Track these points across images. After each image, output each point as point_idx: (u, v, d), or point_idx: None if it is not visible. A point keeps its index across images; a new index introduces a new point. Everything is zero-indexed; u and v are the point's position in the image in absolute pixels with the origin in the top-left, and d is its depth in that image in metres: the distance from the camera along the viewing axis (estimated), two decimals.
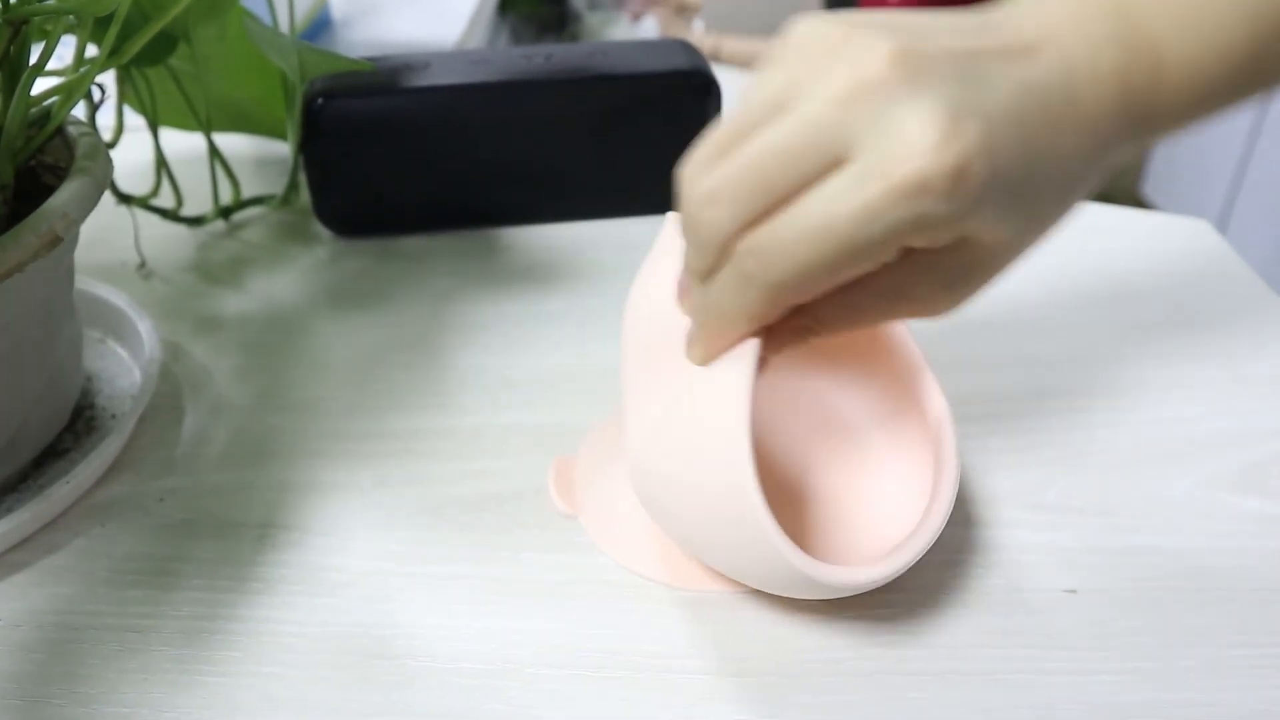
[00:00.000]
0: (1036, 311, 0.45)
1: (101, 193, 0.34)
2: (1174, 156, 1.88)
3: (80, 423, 0.39)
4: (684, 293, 0.31)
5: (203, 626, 0.32)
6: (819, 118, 0.25)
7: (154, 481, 0.37)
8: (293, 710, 0.29)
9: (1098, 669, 0.30)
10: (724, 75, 0.52)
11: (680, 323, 0.30)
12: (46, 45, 0.34)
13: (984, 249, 0.26)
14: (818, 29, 0.26)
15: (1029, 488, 0.36)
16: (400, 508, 0.36)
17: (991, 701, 0.29)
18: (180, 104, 0.50)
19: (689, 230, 0.27)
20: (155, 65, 0.47)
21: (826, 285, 0.26)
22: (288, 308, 0.48)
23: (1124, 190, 1.93)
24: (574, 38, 1.84)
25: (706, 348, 0.29)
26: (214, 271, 0.51)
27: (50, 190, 0.32)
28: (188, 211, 0.53)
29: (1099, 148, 0.27)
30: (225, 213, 0.53)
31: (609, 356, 0.42)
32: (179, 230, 0.53)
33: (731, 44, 1.70)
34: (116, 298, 0.43)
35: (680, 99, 0.51)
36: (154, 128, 0.49)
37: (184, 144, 0.54)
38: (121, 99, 0.47)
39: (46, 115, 0.36)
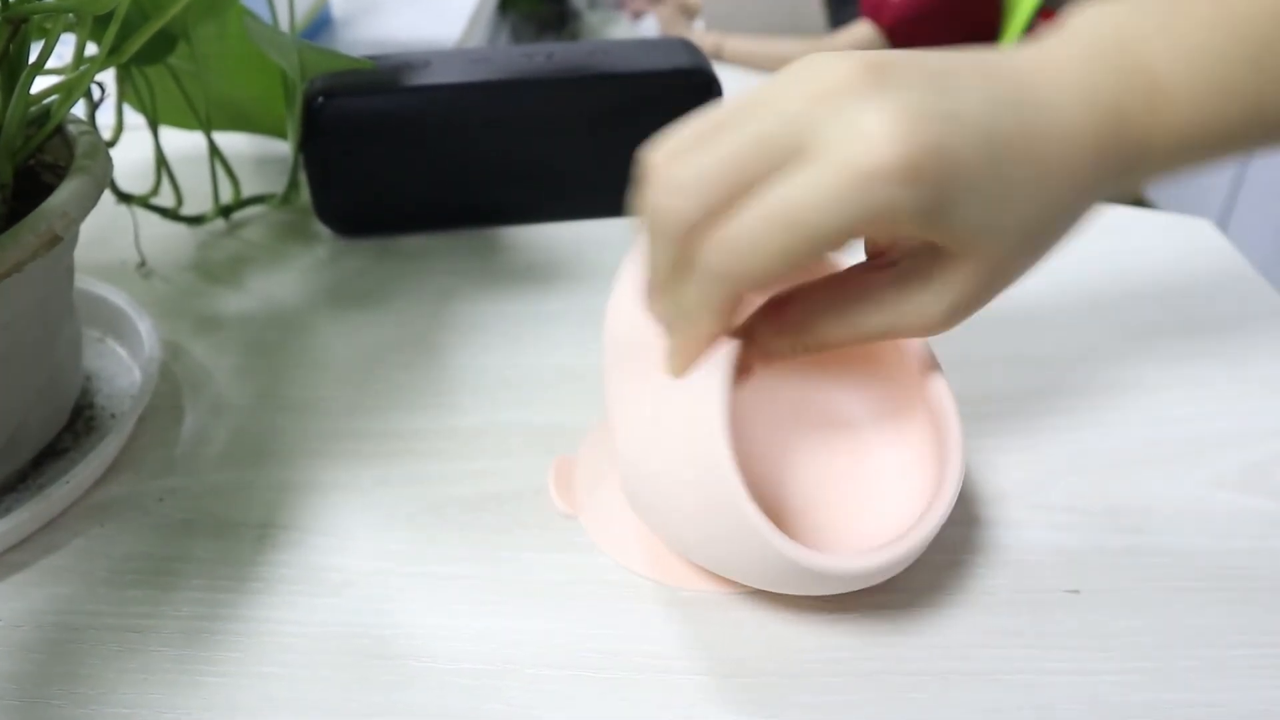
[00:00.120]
0: (1040, 311, 0.45)
1: (101, 192, 0.34)
2: None
3: (80, 422, 0.39)
4: (651, 296, 0.30)
5: (202, 627, 0.32)
6: (786, 112, 0.25)
7: (153, 481, 0.37)
8: (293, 710, 0.29)
9: (1100, 669, 0.30)
10: (725, 74, 0.52)
11: (654, 326, 0.30)
12: (46, 43, 0.34)
13: (968, 262, 0.27)
14: (814, 59, 0.27)
15: (1031, 487, 0.36)
16: (400, 507, 0.36)
17: (994, 702, 0.29)
18: (180, 103, 0.50)
19: (652, 220, 0.27)
20: (155, 64, 0.47)
21: (789, 275, 0.28)
22: (288, 307, 0.48)
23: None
24: (574, 36, 1.84)
25: (681, 354, 0.29)
26: (214, 271, 0.50)
27: (50, 189, 0.32)
28: (188, 210, 0.53)
29: (1090, 174, 0.27)
30: (225, 212, 0.53)
31: None
32: (179, 229, 0.53)
33: (733, 43, 1.70)
34: (116, 297, 0.43)
35: (681, 98, 0.50)
36: (154, 126, 0.49)
37: (184, 143, 0.54)
38: (121, 98, 0.47)
39: (46, 114, 0.36)
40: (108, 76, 0.49)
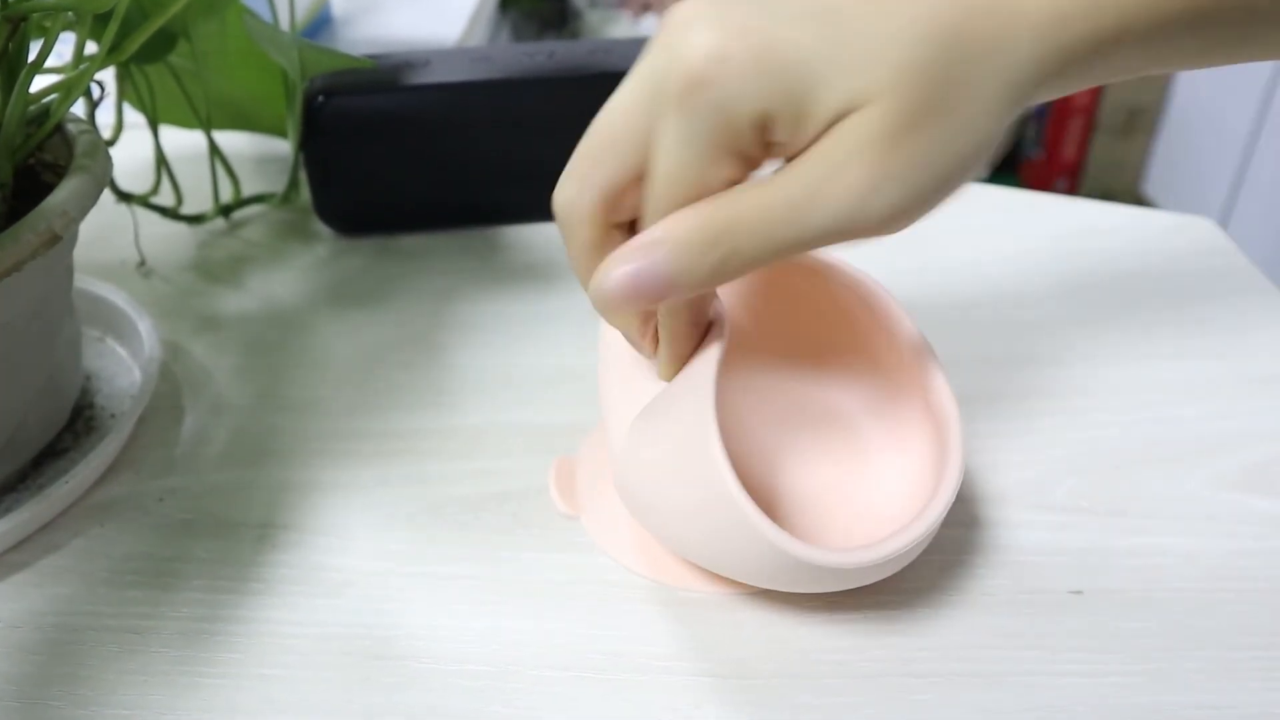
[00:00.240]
0: (1042, 310, 0.45)
1: (101, 191, 0.34)
2: (1174, 156, 1.87)
3: (79, 422, 0.39)
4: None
5: (203, 627, 0.31)
6: (637, 79, 0.26)
7: (153, 481, 0.37)
8: (294, 712, 0.29)
9: (1104, 670, 0.29)
10: None
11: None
12: (45, 42, 0.33)
13: (861, 121, 0.24)
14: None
15: (1033, 488, 0.36)
16: (401, 507, 0.36)
17: (996, 703, 0.29)
18: (180, 101, 0.50)
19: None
20: (155, 62, 0.46)
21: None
22: (288, 306, 0.47)
23: (1125, 189, 1.93)
24: (575, 34, 1.84)
25: (667, 361, 0.29)
26: (214, 270, 0.50)
27: (49, 188, 0.32)
28: (188, 209, 0.53)
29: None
30: (225, 211, 0.53)
31: None
32: (179, 228, 0.53)
33: None
34: (116, 296, 0.43)
35: None
36: (154, 125, 0.49)
37: (184, 142, 0.54)
38: (121, 96, 0.47)
39: (45, 113, 0.36)
40: (107, 75, 0.49)
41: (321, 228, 0.53)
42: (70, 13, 0.34)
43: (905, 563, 0.29)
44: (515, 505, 0.36)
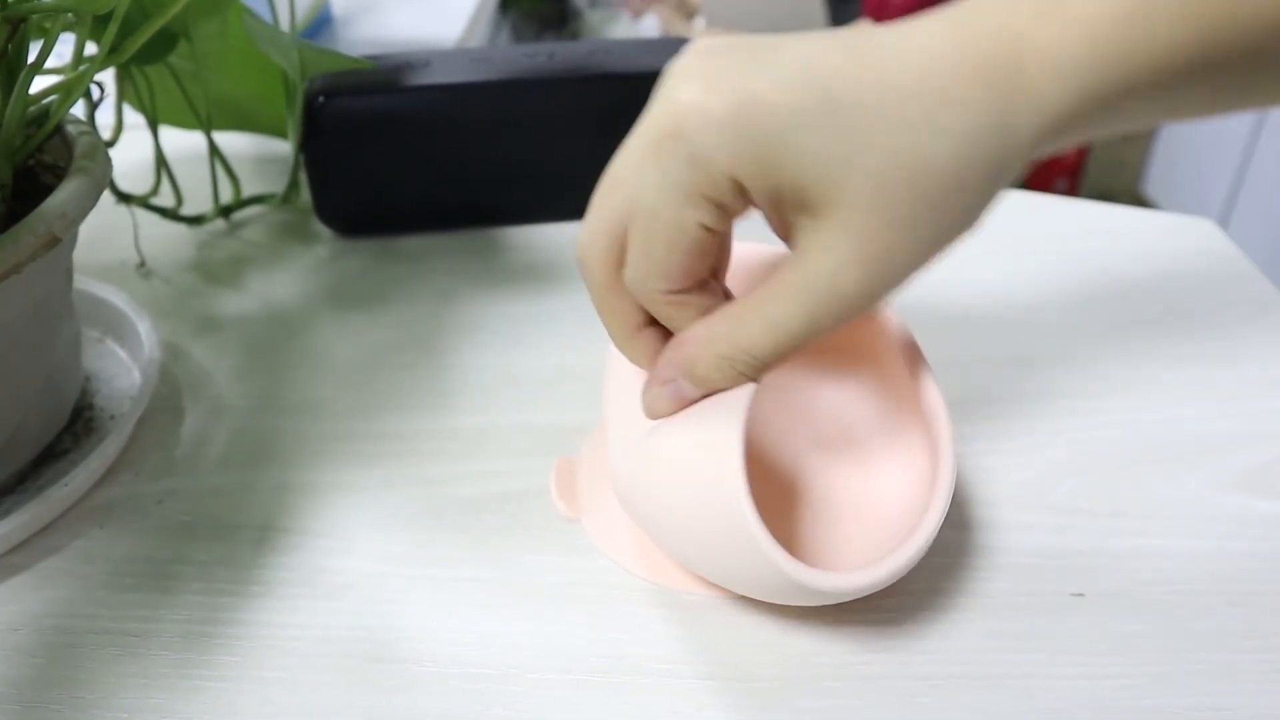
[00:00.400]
0: (1042, 311, 0.45)
1: (100, 192, 0.33)
2: (1174, 156, 1.87)
3: (79, 424, 0.39)
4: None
5: (202, 630, 0.31)
6: (643, 122, 0.27)
7: (153, 483, 0.37)
8: (294, 714, 0.29)
9: (1105, 673, 0.29)
10: None
11: None
12: (45, 43, 0.33)
13: (845, 209, 0.25)
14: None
15: (1034, 490, 0.36)
16: (401, 509, 0.36)
17: (997, 706, 0.29)
18: (180, 102, 0.50)
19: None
20: (155, 63, 0.46)
21: (685, 271, 0.27)
22: (288, 307, 0.47)
23: (1125, 189, 1.93)
24: (575, 35, 1.84)
25: (646, 392, 0.30)
26: (214, 271, 0.50)
27: (49, 189, 0.32)
28: (187, 210, 0.52)
29: (982, 96, 0.25)
30: (225, 212, 0.53)
31: None
32: (179, 229, 0.53)
33: None
34: (115, 297, 0.43)
35: None
36: (153, 126, 0.49)
37: (184, 142, 0.54)
38: (121, 97, 0.47)
39: (45, 114, 0.36)
40: (107, 76, 0.49)
41: (321, 228, 0.53)
42: (70, 14, 0.34)
43: (903, 574, 0.29)
44: (516, 507, 0.36)
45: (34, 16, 0.32)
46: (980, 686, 0.29)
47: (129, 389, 0.40)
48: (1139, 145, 1.92)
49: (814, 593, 0.27)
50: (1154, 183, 1.92)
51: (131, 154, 0.51)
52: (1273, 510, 0.35)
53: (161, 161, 0.50)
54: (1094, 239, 0.51)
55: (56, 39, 0.34)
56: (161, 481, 0.37)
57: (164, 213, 0.51)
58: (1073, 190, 1.93)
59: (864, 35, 0.26)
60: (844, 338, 0.35)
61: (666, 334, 0.30)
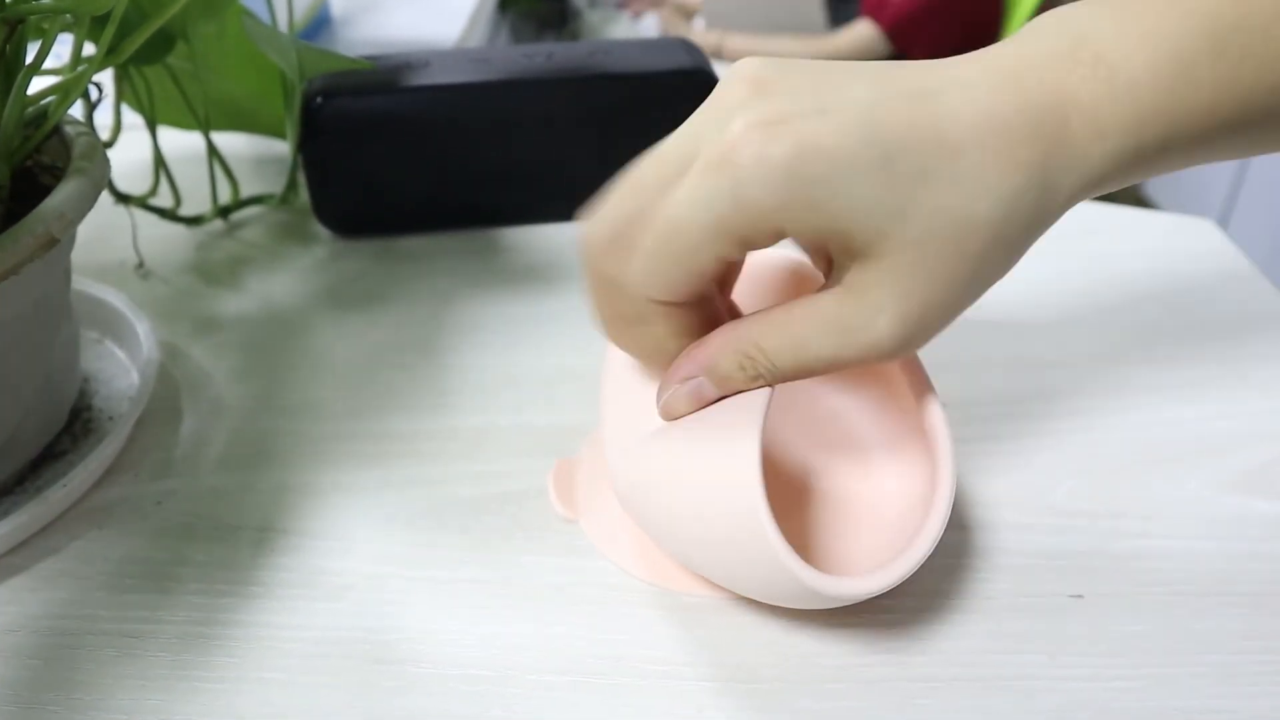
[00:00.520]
0: (1042, 312, 0.45)
1: (99, 193, 0.33)
2: None
3: (77, 425, 0.38)
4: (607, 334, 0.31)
5: (201, 631, 0.31)
6: (683, 132, 0.26)
7: (152, 484, 0.37)
8: (293, 716, 0.29)
9: (1105, 674, 0.29)
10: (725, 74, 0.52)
11: None
12: (43, 44, 0.33)
13: (888, 259, 0.25)
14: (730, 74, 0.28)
15: (1035, 491, 0.36)
16: (401, 510, 0.36)
17: (997, 707, 0.28)
18: (178, 103, 0.50)
19: (580, 254, 0.29)
20: (153, 64, 0.46)
21: (689, 289, 0.27)
22: (287, 308, 0.47)
23: (1125, 189, 1.93)
24: (574, 35, 1.84)
25: (664, 391, 0.30)
26: (212, 271, 0.50)
27: (47, 190, 0.32)
28: (186, 211, 0.52)
29: (1029, 156, 0.25)
30: (224, 212, 0.53)
31: None
32: (177, 230, 0.53)
33: (733, 42, 1.69)
34: (114, 298, 0.43)
35: (682, 98, 0.50)
36: (152, 127, 0.49)
37: (182, 143, 0.54)
38: (119, 98, 0.47)
39: (43, 115, 0.35)
40: (105, 77, 0.49)
41: (320, 229, 0.53)
42: (68, 15, 0.34)
43: (901, 581, 0.29)
44: (515, 507, 0.36)
45: (32, 17, 0.32)
46: (980, 688, 0.29)
47: (127, 390, 0.40)
48: None
49: (822, 597, 0.27)
50: (1154, 183, 1.92)
51: (130, 154, 0.51)
52: (1273, 511, 0.35)
53: (160, 162, 0.50)
54: (1094, 239, 0.51)
55: (54, 40, 0.33)
56: (160, 482, 0.37)
57: (162, 213, 0.51)
58: None
59: (921, 78, 0.26)
60: None
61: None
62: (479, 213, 0.53)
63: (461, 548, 0.34)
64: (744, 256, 0.28)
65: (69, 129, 0.36)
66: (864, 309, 0.26)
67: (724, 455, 0.28)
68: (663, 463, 0.30)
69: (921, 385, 0.32)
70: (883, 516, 0.33)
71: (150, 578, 0.33)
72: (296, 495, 0.36)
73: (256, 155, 0.60)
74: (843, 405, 0.36)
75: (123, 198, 0.50)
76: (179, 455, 0.38)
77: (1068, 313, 0.45)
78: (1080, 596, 0.32)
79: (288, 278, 0.50)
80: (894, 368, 0.33)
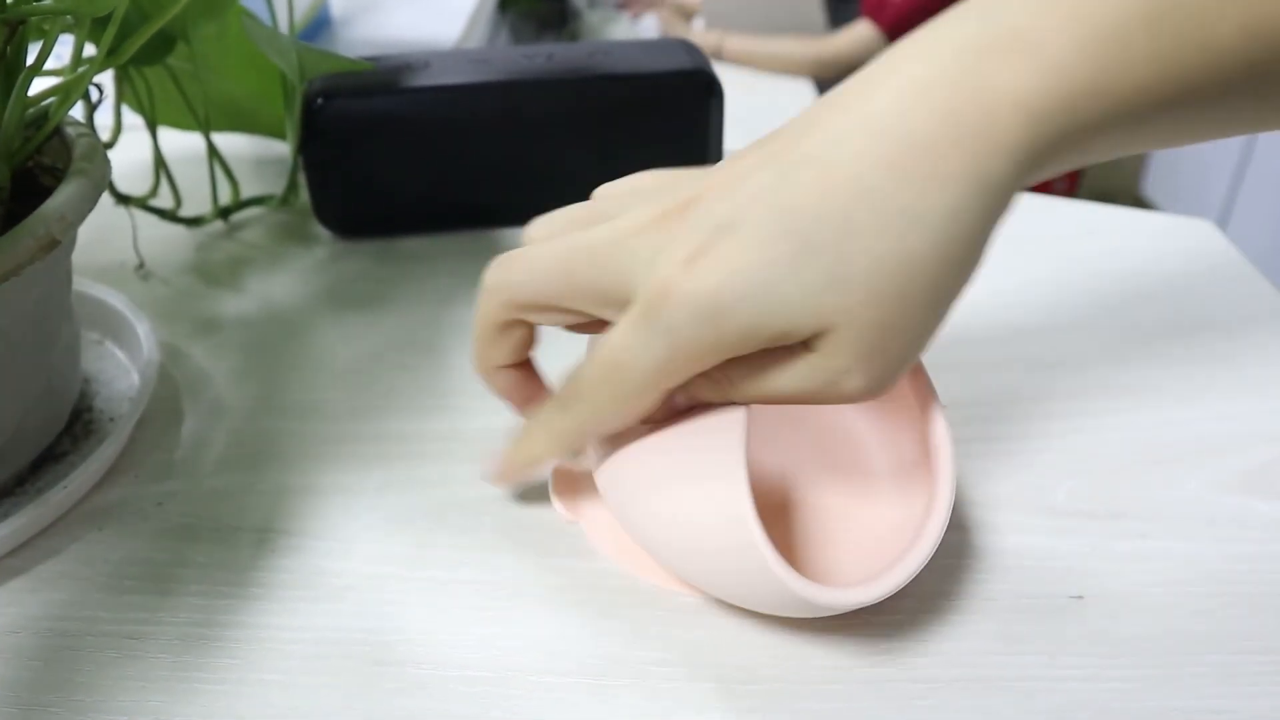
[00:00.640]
0: (1042, 314, 0.45)
1: (99, 194, 0.33)
2: (1174, 157, 1.87)
3: (78, 426, 0.38)
4: (476, 359, 0.33)
5: (201, 633, 0.31)
6: (615, 240, 0.27)
7: (152, 485, 0.37)
8: (293, 717, 0.29)
9: (1105, 675, 0.29)
10: (726, 74, 0.52)
11: None
12: (44, 45, 0.33)
13: (839, 336, 0.25)
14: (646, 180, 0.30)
15: (1035, 492, 0.36)
16: (401, 511, 0.36)
17: (997, 708, 0.28)
18: (179, 103, 0.50)
19: (484, 288, 0.30)
20: (154, 65, 0.46)
21: (645, 410, 0.28)
22: (287, 309, 0.47)
23: (1124, 190, 1.93)
24: (574, 35, 1.84)
25: (512, 466, 0.32)
26: (213, 272, 0.50)
27: (48, 191, 0.32)
28: (186, 212, 0.52)
29: (953, 150, 0.24)
30: (224, 213, 0.53)
31: None
32: (178, 231, 0.53)
33: (732, 42, 1.69)
34: (114, 299, 0.43)
35: (682, 99, 0.50)
36: (152, 127, 0.49)
37: (183, 144, 0.54)
38: (120, 99, 0.47)
39: (44, 116, 0.35)
40: (106, 78, 0.49)
41: (320, 230, 0.53)
42: (69, 16, 0.34)
43: (897, 589, 0.29)
44: (516, 509, 0.36)
45: (33, 18, 0.32)
46: (981, 689, 0.29)
47: (128, 391, 0.40)
48: None
49: (816, 607, 0.27)
50: (1153, 183, 1.92)
51: (130, 155, 0.51)
52: (1273, 511, 0.35)
53: (160, 163, 0.50)
54: (1093, 240, 0.51)
55: (55, 41, 0.33)
56: (161, 484, 0.37)
57: (163, 214, 0.51)
58: (1072, 191, 1.93)
59: (824, 129, 0.26)
60: None
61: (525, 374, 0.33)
62: (479, 213, 0.53)
63: (462, 548, 0.34)
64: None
65: (70, 130, 0.36)
66: (831, 372, 0.26)
67: (710, 480, 0.28)
68: (646, 478, 0.30)
69: (925, 395, 0.31)
70: (881, 525, 0.32)
71: (151, 579, 0.33)
72: (297, 496, 0.36)
73: (257, 156, 0.60)
74: (848, 415, 0.36)
75: (123, 199, 0.50)
76: (179, 456, 0.38)
77: (1067, 313, 0.45)
78: (1080, 597, 0.32)
79: (288, 278, 0.50)
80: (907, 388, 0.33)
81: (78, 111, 0.42)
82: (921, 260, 0.24)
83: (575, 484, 0.36)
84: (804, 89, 1.65)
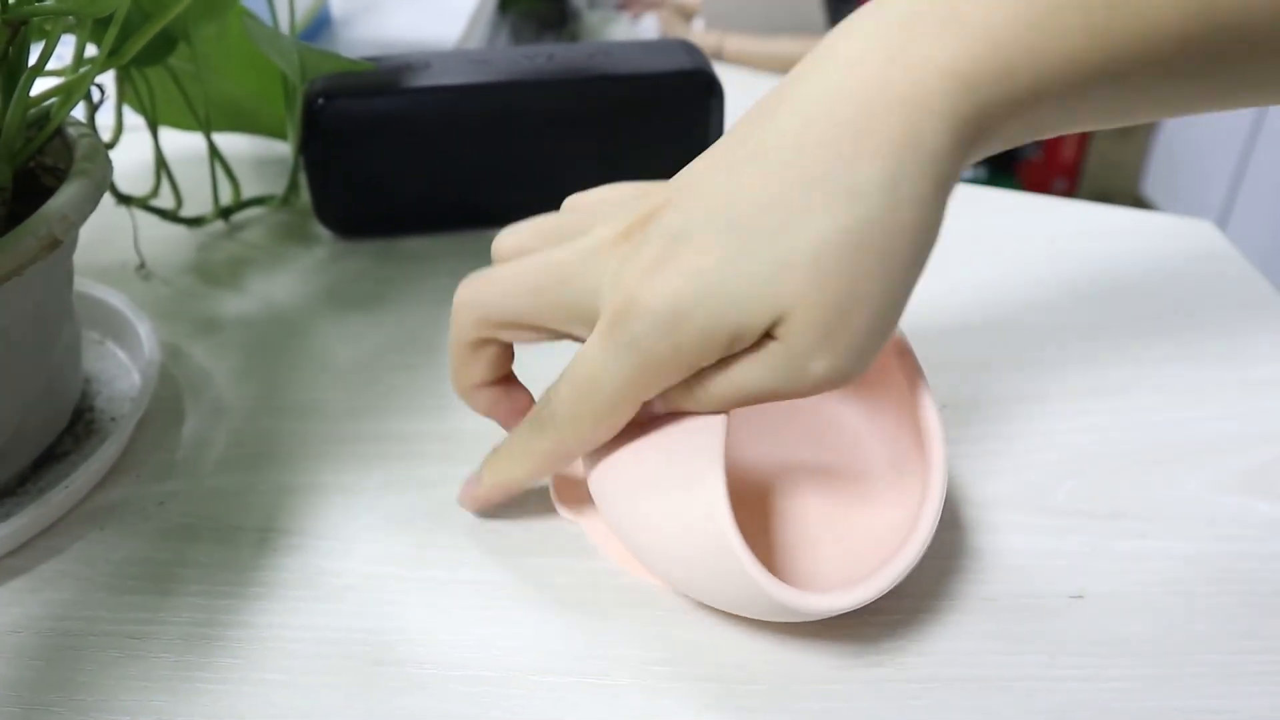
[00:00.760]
0: (1042, 313, 0.45)
1: (101, 194, 0.33)
2: (1173, 156, 1.87)
3: (79, 426, 0.39)
4: (453, 379, 0.33)
5: (203, 632, 0.31)
6: (581, 257, 0.28)
7: (153, 485, 0.37)
8: (294, 717, 0.29)
9: (1105, 675, 0.29)
10: (726, 74, 0.52)
11: None
12: (46, 45, 0.33)
13: (796, 320, 0.25)
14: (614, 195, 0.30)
15: (1034, 491, 0.36)
16: (402, 511, 0.36)
17: (996, 708, 0.29)
18: (180, 104, 0.50)
19: (454, 307, 0.31)
20: (155, 65, 0.46)
21: (620, 425, 0.28)
22: (288, 309, 0.47)
23: (1124, 190, 1.93)
24: (574, 36, 1.84)
25: (489, 491, 0.33)
26: (214, 272, 0.50)
27: (49, 192, 0.32)
28: (187, 212, 0.52)
29: (888, 126, 0.24)
30: (225, 213, 0.53)
31: None
32: (178, 231, 0.53)
33: (733, 42, 1.69)
34: (115, 299, 0.43)
35: (682, 99, 0.50)
36: (153, 128, 0.49)
37: (183, 144, 0.54)
38: (121, 99, 0.47)
39: (46, 116, 0.36)
40: (107, 78, 0.49)
41: (321, 230, 0.53)
42: (71, 16, 0.34)
43: (887, 591, 0.29)
44: (518, 508, 0.36)
45: (35, 19, 0.32)
46: (980, 689, 0.29)
47: (129, 391, 0.40)
48: (1137, 146, 1.92)
49: (796, 612, 0.28)
50: (1153, 183, 1.92)
51: (131, 155, 0.51)
52: (1273, 511, 0.35)
53: (161, 163, 0.50)
54: (1092, 240, 0.51)
55: (57, 41, 0.34)
56: (162, 483, 0.37)
57: (164, 214, 0.51)
58: (1071, 191, 1.93)
59: (761, 119, 0.27)
60: None
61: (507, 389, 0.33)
62: (480, 213, 0.53)
63: (462, 549, 0.34)
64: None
65: (71, 130, 0.36)
66: (795, 358, 0.26)
67: (689, 488, 0.28)
68: (630, 486, 0.30)
69: (916, 384, 0.31)
70: (880, 525, 0.32)
71: (152, 579, 0.33)
72: (298, 496, 0.36)
73: (257, 156, 0.60)
74: (843, 413, 0.36)
75: (124, 199, 0.50)
76: (180, 456, 0.39)
77: (1066, 313, 0.45)
78: (1080, 597, 0.32)
79: (289, 278, 0.50)
80: (893, 373, 0.33)
81: (79, 112, 0.43)
82: (866, 232, 0.24)
83: (575, 484, 0.36)
84: None
